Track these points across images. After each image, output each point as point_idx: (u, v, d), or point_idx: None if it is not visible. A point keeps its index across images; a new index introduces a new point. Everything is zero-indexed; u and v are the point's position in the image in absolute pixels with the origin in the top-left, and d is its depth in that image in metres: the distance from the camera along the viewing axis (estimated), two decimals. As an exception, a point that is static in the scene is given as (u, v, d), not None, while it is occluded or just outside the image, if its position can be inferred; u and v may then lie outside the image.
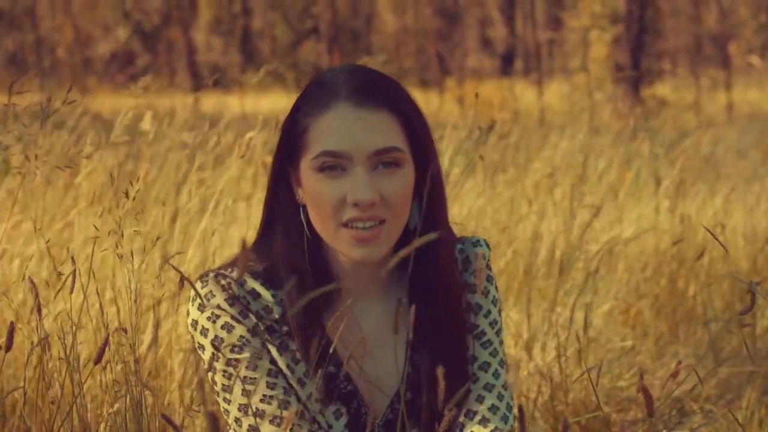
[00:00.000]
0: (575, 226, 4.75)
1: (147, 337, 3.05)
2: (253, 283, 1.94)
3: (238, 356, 1.91)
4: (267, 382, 1.92)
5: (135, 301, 2.57)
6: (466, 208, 5.30)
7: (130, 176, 4.73)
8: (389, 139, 1.90)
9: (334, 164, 1.89)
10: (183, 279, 1.62)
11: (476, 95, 4.37)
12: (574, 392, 3.46)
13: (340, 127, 1.89)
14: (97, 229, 2.81)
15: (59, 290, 2.63)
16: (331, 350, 1.95)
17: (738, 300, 4.51)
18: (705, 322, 4.17)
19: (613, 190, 6.00)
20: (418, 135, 1.95)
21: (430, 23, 34.20)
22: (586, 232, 4.52)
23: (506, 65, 34.50)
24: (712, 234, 1.92)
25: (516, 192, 5.77)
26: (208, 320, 1.92)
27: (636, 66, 21.13)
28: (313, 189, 1.91)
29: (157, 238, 2.87)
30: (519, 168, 6.27)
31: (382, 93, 1.93)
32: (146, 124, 5.34)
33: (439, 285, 2.00)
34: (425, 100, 20.94)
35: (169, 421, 1.68)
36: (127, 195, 2.81)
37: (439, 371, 1.48)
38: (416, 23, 35.57)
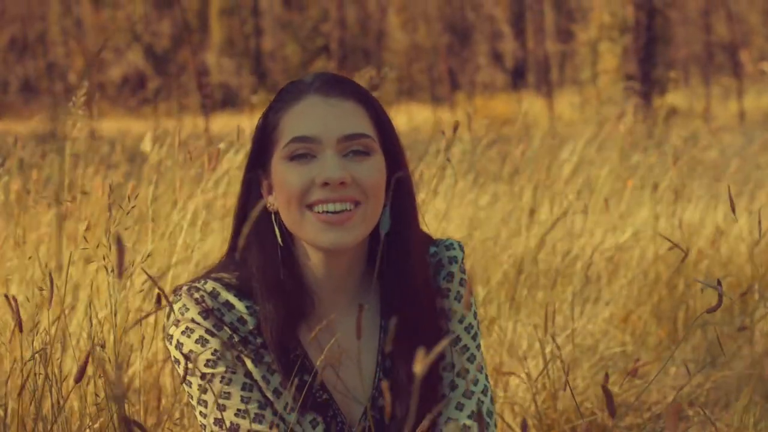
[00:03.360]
0: (575, 234, 4.73)
1: (131, 352, 3.04)
2: (226, 295, 1.93)
3: (212, 370, 1.89)
4: (241, 396, 1.90)
5: (115, 314, 2.56)
6: (465, 218, 5.29)
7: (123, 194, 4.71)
8: (359, 125, 1.90)
9: (304, 151, 1.88)
10: (162, 293, 1.61)
11: (454, 89, 4.31)
12: (566, 399, 3.44)
13: (310, 114, 1.89)
14: (86, 240, 2.81)
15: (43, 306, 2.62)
16: (306, 361, 1.93)
17: (738, 302, 4.48)
18: (701, 324, 4.15)
19: (615, 197, 5.97)
20: (386, 130, 1.95)
21: (440, 39, 34.24)
22: (584, 240, 4.49)
23: (517, 79, 34.52)
24: (666, 238, 1.89)
25: (515, 204, 5.75)
26: (183, 334, 1.91)
27: (646, 76, 21.10)
28: (283, 178, 1.89)
29: (148, 255, 2.87)
30: (519, 177, 6.25)
31: (350, 86, 1.94)
32: (146, 145, 5.31)
33: (411, 290, 1.97)
34: (436, 116, 20.93)
35: (137, 424, 1.65)
36: (110, 209, 2.80)
37: (384, 386, 1.44)
38: (427, 40, 35.62)
